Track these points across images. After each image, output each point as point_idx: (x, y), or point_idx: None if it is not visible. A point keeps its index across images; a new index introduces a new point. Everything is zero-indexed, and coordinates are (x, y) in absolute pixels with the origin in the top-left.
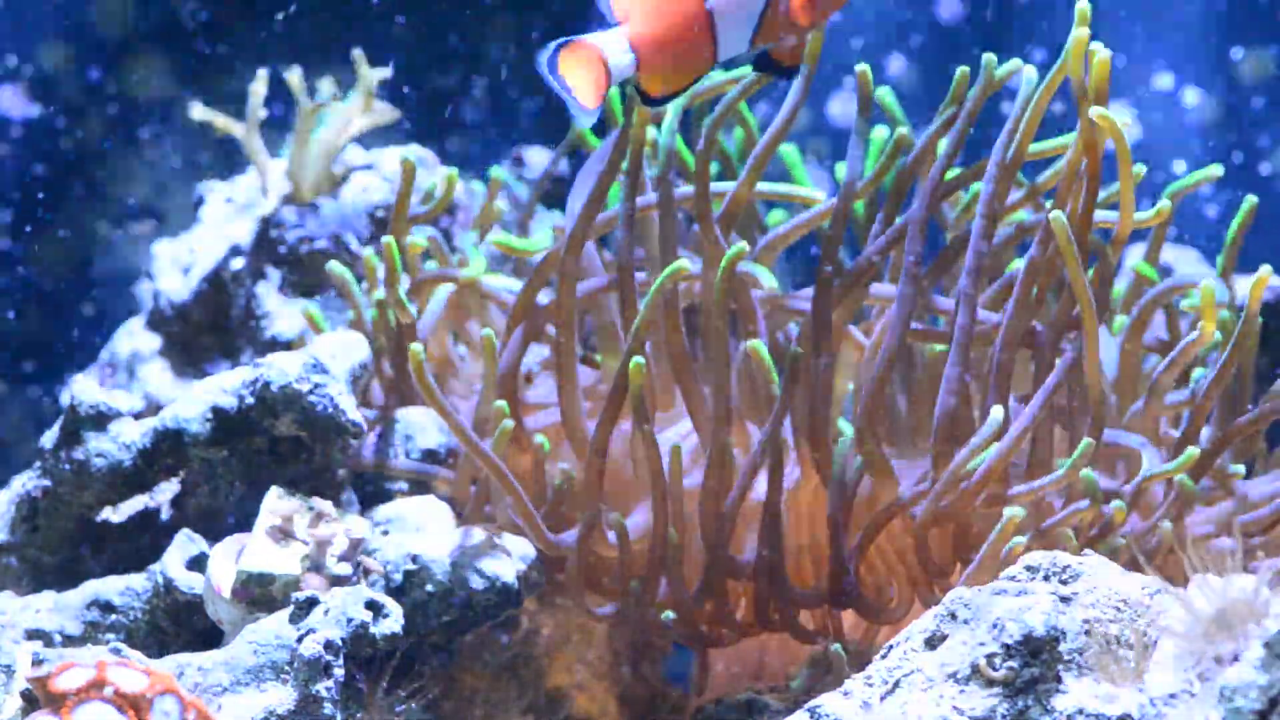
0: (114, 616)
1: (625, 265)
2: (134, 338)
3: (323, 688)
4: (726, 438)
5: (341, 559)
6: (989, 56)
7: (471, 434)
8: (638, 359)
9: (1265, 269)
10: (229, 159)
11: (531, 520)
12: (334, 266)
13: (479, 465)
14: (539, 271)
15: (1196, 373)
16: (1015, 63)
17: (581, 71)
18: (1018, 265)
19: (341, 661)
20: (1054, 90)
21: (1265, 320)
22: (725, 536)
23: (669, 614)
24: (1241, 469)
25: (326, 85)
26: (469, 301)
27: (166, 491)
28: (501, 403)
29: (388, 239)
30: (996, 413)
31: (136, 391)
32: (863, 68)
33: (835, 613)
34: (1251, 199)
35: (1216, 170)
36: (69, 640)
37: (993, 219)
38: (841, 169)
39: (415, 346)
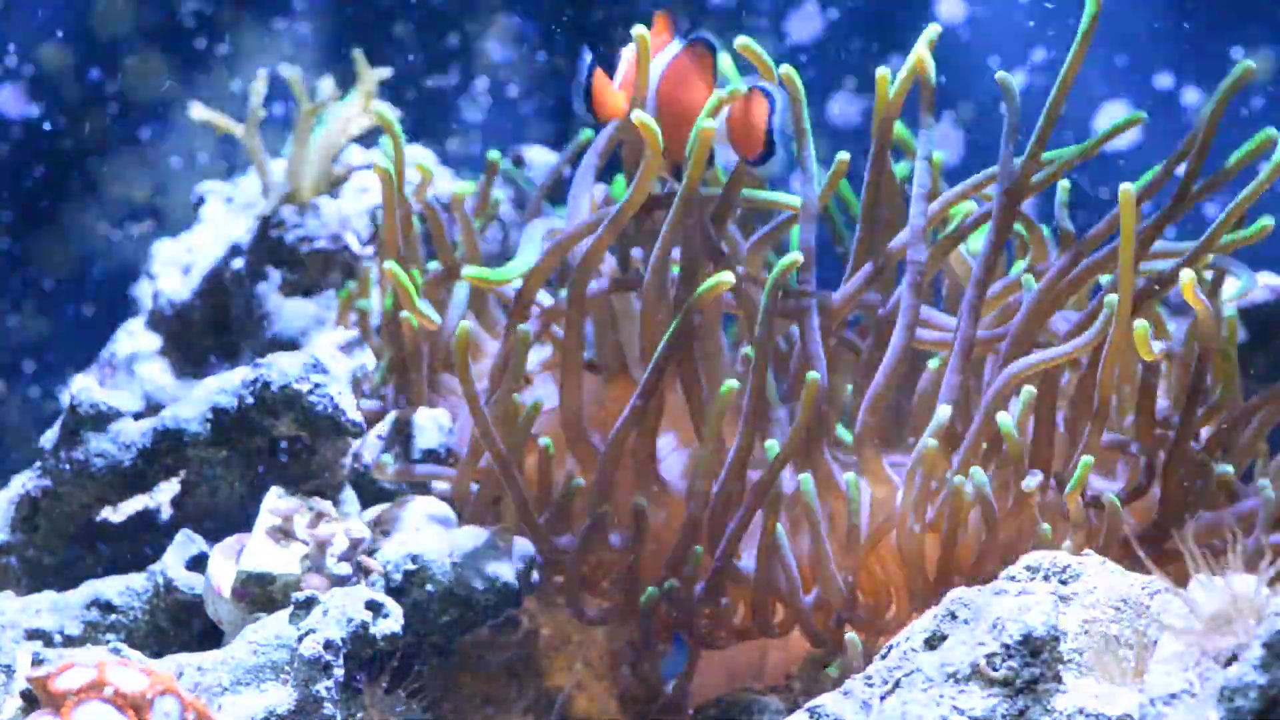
0: (114, 616)
1: (657, 271)
2: (134, 338)
3: (323, 688)
4: (747, 457)
5: (341, 559)
6: (882, 73)
7: (493, 429)
8: (731, 383)
9: (1188, 273)
10: (229, 159)
11: (531, 520)
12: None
13: (488, 464)
14: (537, 272)
15: None
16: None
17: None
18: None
19: (341, 661)
20: (1068, 92)
21: (1265, 320)
22: (731, 551)
23: (672, 582)
24: (1229, 468)
25: (327, 85)
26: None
27: (166, 491)
28: (518, 395)
29: (389, 263)
30: (943, 411)
31: (136, 391)
32: (798, 103)
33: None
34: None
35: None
36: (69, 640)
37: (1004, 231)
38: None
39: (465, 324)
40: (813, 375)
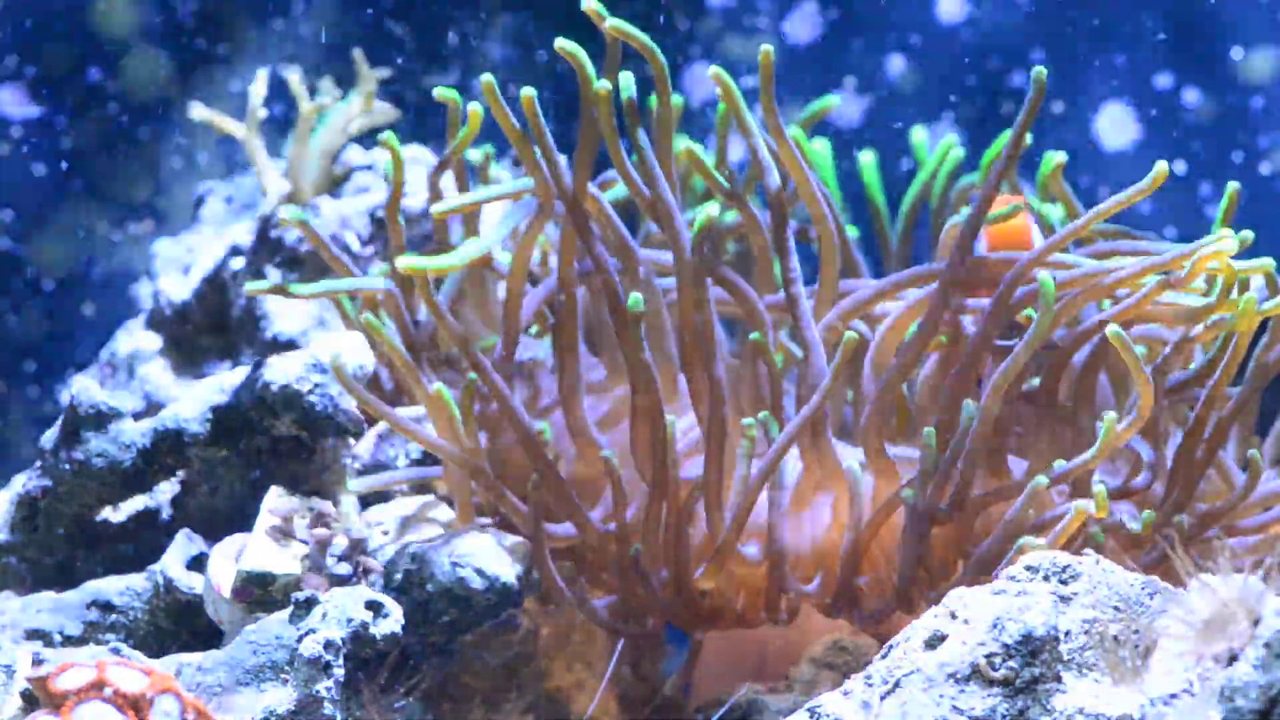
0: (114, 616)
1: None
2: (134, 338)
3: (323, 687)
4: (723, 438)
5: (341, 559)
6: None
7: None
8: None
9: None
10: (229, 159)
11: (510, 507)
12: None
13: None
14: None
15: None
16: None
17: None
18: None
19: (341, 661)
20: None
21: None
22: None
23: (636, 547)
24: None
25: (326, 85)
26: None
27: (166, 491)
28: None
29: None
30: (968, 408)
31: (136, 391)
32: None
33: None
34: (1234, 186)
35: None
36: (69, 640)
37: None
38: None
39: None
40: (850, 335)
